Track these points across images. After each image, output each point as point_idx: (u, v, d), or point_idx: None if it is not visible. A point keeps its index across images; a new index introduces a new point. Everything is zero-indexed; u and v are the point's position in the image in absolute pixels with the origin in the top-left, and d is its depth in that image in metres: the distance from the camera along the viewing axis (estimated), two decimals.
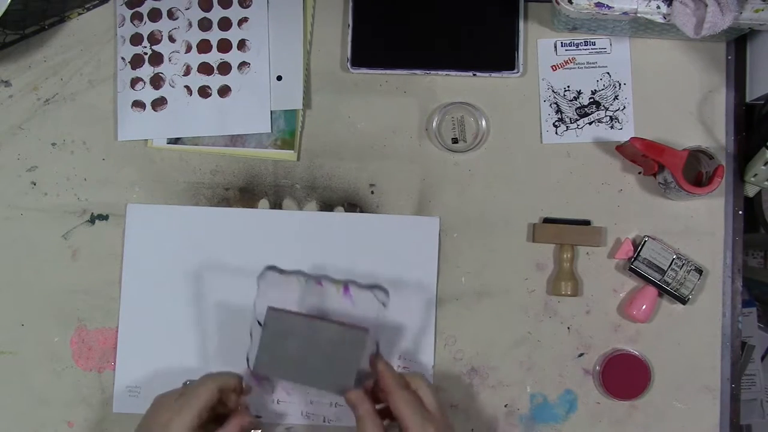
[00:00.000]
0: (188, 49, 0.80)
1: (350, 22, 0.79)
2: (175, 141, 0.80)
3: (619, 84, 0.79)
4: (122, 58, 0.80)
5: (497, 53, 0.79)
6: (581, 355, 0.78)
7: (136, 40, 0.80)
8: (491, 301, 0.78)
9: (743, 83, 0.79)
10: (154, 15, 0.80)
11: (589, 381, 0.78)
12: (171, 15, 0.80)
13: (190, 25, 0.80)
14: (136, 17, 0.80)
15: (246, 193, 0.80)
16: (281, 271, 0.71)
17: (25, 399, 0.78)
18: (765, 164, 0.75)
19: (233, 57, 0.80)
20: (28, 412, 0.78)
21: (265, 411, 0.77)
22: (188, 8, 0.80)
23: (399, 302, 0.77)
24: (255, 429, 0.72)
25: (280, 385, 0.77)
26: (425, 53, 0.79)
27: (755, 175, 0.77)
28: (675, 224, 0.79)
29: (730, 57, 0.80)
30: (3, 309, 0.79)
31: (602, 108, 0.79)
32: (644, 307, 0.76)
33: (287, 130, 0.79)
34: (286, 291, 0.73)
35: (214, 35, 0.80)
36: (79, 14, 0.81)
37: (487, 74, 0.79)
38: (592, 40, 0.80)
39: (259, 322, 0.71)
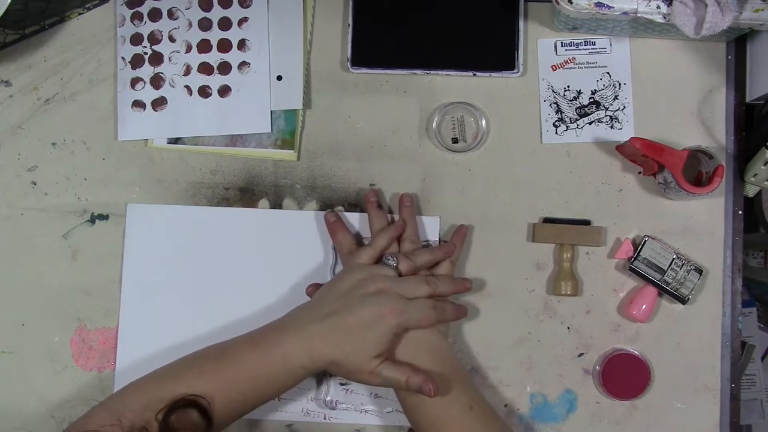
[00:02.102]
0: (188, 49, 0.80)
1: (350, 22, 0.79)
2: (175, 141, 0.80)
3: (619, 84, 0.79)
4: (122, 58, 0.80)
5: (497, 53, 0.79)
6: (581, 355, 0.78)
7: (136, 40, 0.80)
8: (491, 301, 0.78)
9: (743, 83, 0.79)
10: (154, 15, 0.80)
11: (589, 381, 0.78)
12: (171, 15, 0.80)
13: (190, 25, 0.80)
14: (136, 17, 0.80)
15: (246, 193, 0.80)
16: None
17: (25, 399, 0.78)
18: (765, 164, 0.75)
19: (233, 57, 0.80)
20: (28, 412, 0.78)
21: (263, 409, 0.76)
22: (188, 8, 0.80)
23: None
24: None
25: None
26: (425, 53, 0.79)
27: (755, 175, 0.77)
28: (675, 224, 0.79)
29: (730, 57, 0.80)
30: (3, 309, 0.79)
31: (602, 108, 0.79)
32: (644, 307, 0.76)
33: (287, 130, 0.79)
34: None
35: (214, 35, 0.80)
36: (79, 14, 0.81)
37: (487, 74, 0.79)
38: (592, 40, 0.80)
39: None
